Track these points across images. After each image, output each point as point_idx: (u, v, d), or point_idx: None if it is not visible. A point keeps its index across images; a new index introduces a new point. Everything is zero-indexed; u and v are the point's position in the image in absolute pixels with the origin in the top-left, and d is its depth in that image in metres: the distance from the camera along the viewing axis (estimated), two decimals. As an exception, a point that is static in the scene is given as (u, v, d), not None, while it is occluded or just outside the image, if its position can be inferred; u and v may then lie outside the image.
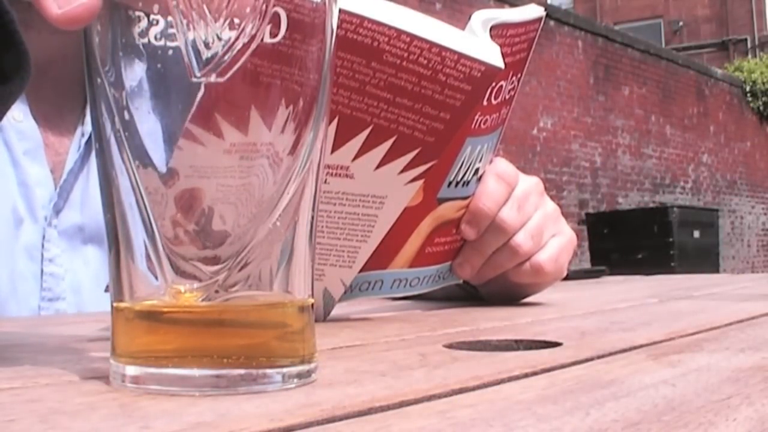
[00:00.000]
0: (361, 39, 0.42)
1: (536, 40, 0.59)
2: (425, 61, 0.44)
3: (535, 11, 0.58)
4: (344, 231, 0.51)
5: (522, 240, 0.61)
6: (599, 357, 0.37)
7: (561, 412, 0.26)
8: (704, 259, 6.58)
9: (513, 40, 0.56)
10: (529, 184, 0.62)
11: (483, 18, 0.53)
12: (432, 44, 0.44)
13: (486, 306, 0.65)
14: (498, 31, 0.54)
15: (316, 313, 0.56)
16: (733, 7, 18.16)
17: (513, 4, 7.09)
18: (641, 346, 0.40)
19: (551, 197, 0.66)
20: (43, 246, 0.71)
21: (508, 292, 0.65)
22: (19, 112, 0.72)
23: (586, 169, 8.12)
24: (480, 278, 0.63)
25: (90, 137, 0.75)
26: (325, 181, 0.47)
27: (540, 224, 0.62)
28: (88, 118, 0.73)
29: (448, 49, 0.44)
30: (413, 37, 0.43)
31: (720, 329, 0.49)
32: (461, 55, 0.45)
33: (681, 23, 18.46)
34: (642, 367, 0.34)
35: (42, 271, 0.71)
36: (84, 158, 0.74)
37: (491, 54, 0.47)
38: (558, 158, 7.71)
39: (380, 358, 0.38)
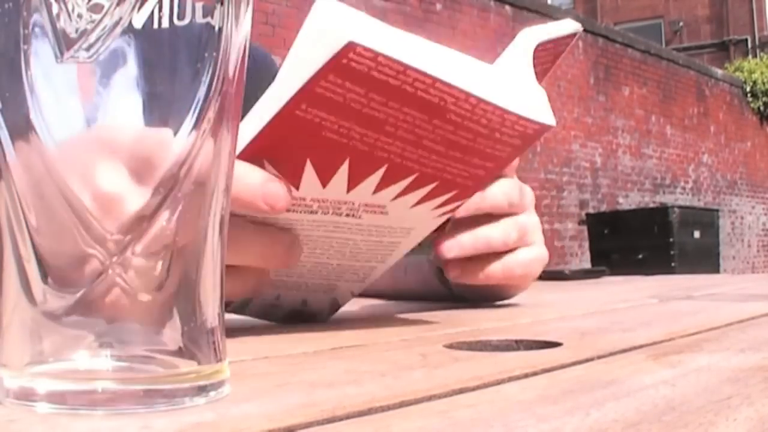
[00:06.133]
0: (430, 98, 0.42)
1: (564, 54, 0.59)
2: (486, 122, 0.45)
3: (571, 26, 0.58)
4: (365, 255, 0.52)
5: (510, 225, 0.60)
6: (599, 357, 0.37)
7: (561, 412, 0.26)
8: (704, 259, 6.58)
9: (540, 53, 0.56)
10: (524, 190, 0.62)
11: (528, 37, 0.53)
12: (496, 107, 0.44)
13: (486, 306, 0.65)
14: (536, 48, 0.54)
15: (321, 316, 0.56)
16: (733, 7, 18.16)
17: (513, 5, 7.09)
18: (641, 346, 0.40)
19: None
20: None
21: (477, 293, 0.66)
22: None
23: (587, 169, 8.12)
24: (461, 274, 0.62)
25: None
26: (359, 216, 0.48)
27: (527, 223, 0.61)
28: None
29: (510, 112, 0.45)
30: (480, 100, 0.43)
31: (720, 329, 0.49)
32: (521, 117, 0.45)
33: (681, 23, 18.46)
34: (642, 367, 0.34)
35: None
36: None
37: (545, 110, 0.48)
38: (558, 158, 7.71)
39: (380, 358, 0.38)
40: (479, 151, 0.46)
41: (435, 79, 0.41)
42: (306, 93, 0.40)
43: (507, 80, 0.47)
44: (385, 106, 0.41)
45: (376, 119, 0.42)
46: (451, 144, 0.45)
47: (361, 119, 0.42)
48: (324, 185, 0.45)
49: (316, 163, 0.43)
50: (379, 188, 0.46)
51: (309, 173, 0.44)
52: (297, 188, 0.44)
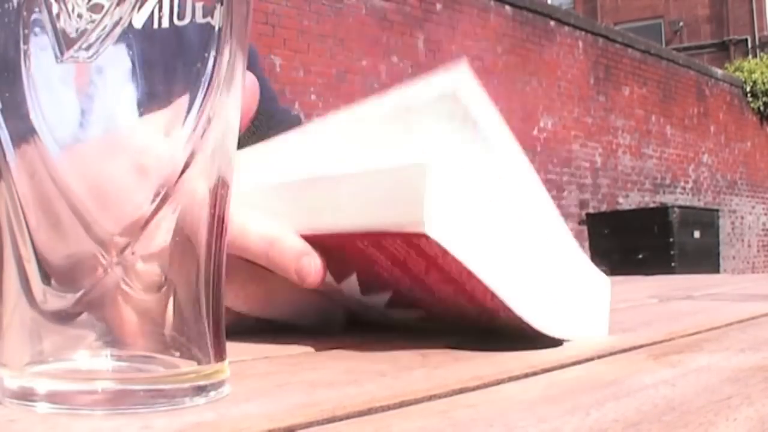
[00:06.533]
0: (479, 298, 0.41)
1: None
2: (520, 324, 0.42)
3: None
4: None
5: None
6: (599, 357, 0.37)
7: (561, 412, 0.26)
8: (704, 259, 6.58)
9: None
10: None
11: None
12: (510, 311, 0.41)
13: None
14: None
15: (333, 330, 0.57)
16: (733, 7, 18.16)
17: (513, 5, 7.09)
18: (641, 346, 0.41)
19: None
20: None
21: None
22: None
23: (587, 169, 8.12)
24: None
25: None
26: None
27: None
28: None
29: (524, 321, 0.41)
30: (530, 327, 0.41)
31: (720, 329, 0.49)
32: (534, 330, 0.42)
33: (681, 23, 18.46)
34: (642, 367, 0.34)
35: None
36: None
37: (600, 325, 0.45)
38: (558, 158, 7.71)
39: (380, 358, 0.38)
40: (478, 321, 0.46)
41: (493, 294, 0.40)
42: (371, 237, 0.40)
43: (576, 289, 0.45)
44: (439, 282, 0.42)
45: (425, 284, 0.43)
46: (471, 319, 0.45)
47: (413, 278, 0.43)
48: (362, 294, 0.46)
49: (361, 277, 0.45)
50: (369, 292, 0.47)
51: (352, 280, 0.45)
52: (338, 284, 0.45)
